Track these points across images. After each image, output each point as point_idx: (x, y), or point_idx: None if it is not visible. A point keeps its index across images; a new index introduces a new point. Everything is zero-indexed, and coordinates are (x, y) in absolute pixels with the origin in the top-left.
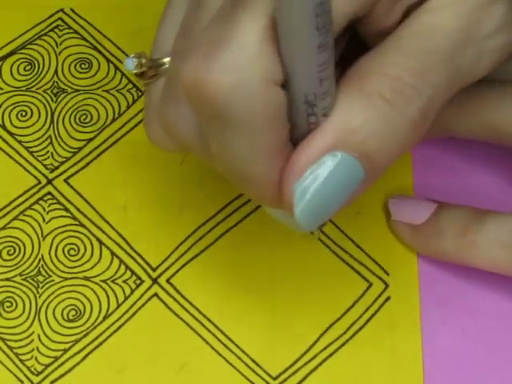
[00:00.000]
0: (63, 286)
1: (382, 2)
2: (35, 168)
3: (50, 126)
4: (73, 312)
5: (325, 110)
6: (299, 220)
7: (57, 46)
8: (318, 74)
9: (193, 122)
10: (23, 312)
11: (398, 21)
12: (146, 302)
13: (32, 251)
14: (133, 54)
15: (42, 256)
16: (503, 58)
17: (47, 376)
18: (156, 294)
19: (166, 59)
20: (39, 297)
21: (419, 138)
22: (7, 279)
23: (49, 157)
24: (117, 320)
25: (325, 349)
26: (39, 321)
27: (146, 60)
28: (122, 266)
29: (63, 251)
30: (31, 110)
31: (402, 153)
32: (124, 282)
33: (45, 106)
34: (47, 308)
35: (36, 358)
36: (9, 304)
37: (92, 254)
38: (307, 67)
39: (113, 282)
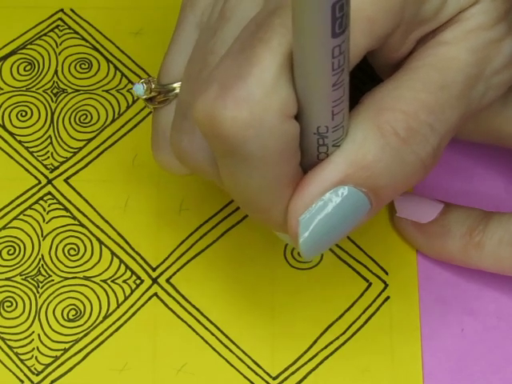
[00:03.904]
0: (63, 286)
1: (395, 33)
2: (35, 168)
3: (50, 126)
4: (73, 312)
5: (336, 141)
6: (301, 249)
7: (57, 46)
8: (332, 108)
9: (207, 151)
10: (23, 312)
11: (410, 51)
12: (146, 301)
13: (32, 251)
14: (142, 80)
15: (42, 256)
16: (505, 91)
17: (47, 375)
18: (156, 294)
19: (176, 84)
20: (39, 296)
21: (427, 174)
22: (7, 279)
23: (49, 157)
24: (117, 320)
25: (324, 348)
26: (39, 320)
27: (155, 85)
28: (122, 266)
29: (63, 251)
30: (31, 110)
31: (409, 187)
32: (124, 281)
33: (45, 106)
34: (47, 308)
35: (36, 358)
36: (9, 304)
37: (92, 254)
38: (321, 103)
39: (113, 281)
